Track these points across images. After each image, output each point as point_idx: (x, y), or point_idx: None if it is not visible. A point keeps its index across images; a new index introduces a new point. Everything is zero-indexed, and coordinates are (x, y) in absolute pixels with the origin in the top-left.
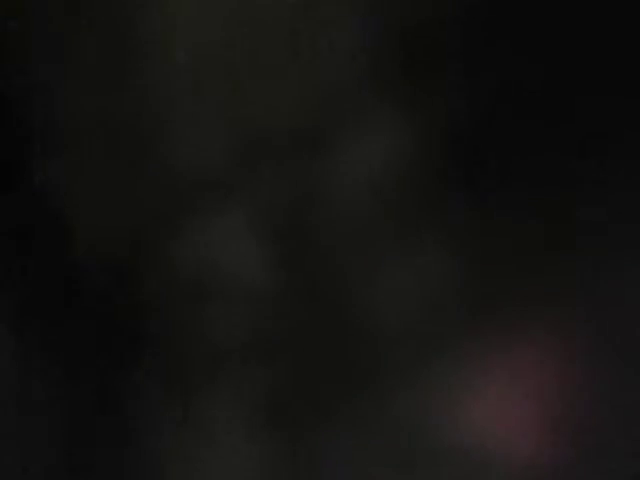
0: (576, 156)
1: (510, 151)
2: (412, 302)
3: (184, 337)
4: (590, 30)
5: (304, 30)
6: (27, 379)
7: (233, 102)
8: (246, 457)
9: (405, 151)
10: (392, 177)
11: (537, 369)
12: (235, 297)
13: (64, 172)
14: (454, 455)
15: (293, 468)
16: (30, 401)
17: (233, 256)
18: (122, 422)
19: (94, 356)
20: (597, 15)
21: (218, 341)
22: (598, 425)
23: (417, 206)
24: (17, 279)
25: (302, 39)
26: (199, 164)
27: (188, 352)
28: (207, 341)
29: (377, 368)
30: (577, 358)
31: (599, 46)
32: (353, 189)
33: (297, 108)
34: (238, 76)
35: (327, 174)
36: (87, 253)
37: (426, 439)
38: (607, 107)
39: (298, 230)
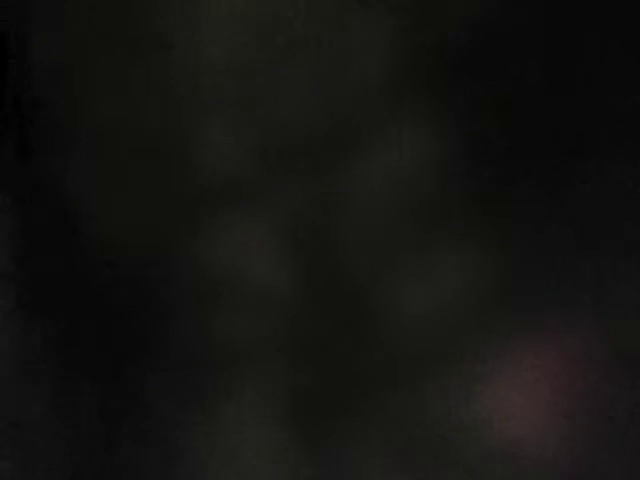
0: (597, 162)
1: (534, 157)
2: (434, 304)
3: (207, 339)
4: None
5: (329, 41)
6: (35, 381)
7: (256, 109)
8: (270, 458)
9: (429, 161)
10: (415, 186)
11: (560, 371)
12: (258, 300)
13: (86, 175)
14: (481, 455)
15: (317, 468)
16: (40, 401)
17: (256, 260)
18: (143, 422)
19: (113, 358)
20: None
21: (241, 343)
22: (622, 425)
23: (439, 215)
24: (29, 280)
25: (327, 49)
26: (222, 169)
27: (211, 354)
28: (229, 343)
29: (399, 370)
30: (597, 361)
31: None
32: (375, 197)
33: (321, 116)
34: (263, 83)
35: (349, 182)
36: (107, 255)
37: (450, 439)
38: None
39: (320, 235)
